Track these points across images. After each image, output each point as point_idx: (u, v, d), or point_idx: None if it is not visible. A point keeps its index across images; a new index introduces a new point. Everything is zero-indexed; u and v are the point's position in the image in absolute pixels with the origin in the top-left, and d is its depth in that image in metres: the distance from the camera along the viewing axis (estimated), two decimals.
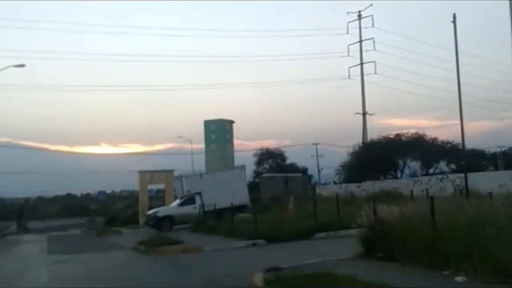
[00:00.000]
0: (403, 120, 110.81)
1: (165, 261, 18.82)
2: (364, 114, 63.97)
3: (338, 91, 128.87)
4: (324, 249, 17.12)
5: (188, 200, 34.28)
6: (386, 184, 48.33)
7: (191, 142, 69.09)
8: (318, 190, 57.01)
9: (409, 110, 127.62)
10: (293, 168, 71.84)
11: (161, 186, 58.03)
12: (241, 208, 34.72)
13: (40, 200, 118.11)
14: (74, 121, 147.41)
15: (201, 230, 27.18)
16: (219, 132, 64.74)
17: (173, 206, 34.97)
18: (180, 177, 35.36)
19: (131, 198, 78.85)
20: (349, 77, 68.99)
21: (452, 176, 41.96)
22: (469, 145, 56.94)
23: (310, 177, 60.92)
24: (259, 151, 75.83)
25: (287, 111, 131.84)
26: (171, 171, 45.21)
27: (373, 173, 56.62)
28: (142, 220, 41.92)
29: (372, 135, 64.54)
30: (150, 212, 34.79)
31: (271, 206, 35.58)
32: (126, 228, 41.31)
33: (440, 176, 43.85)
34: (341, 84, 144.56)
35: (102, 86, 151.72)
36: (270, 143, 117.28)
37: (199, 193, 34.25)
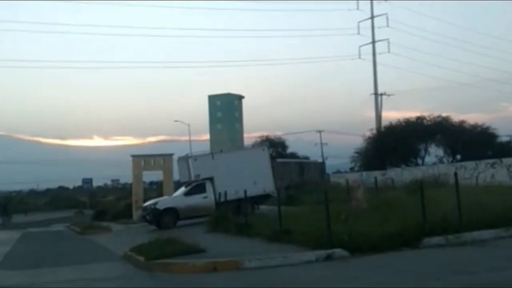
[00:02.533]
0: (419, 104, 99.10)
1: None
2: (381, 94, 55.04)
3: (346, 73, 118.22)
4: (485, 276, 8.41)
5: (197, 187, 25.11)
6: (418, 171, 39.56)
7: (189, 126, 59.69)
8: (333, 178, 48.31)
9: (426, 93, 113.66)
10: (295, 157, 62.68)
11: (155, 177, 48.93)
12: (264, 198, 25.68)
13: (32, 193, 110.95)
14: (66, 114, 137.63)
15: (222, 229, 17.98)
16: (226, 109, 53.11)
17: (177, 196, 25.73)
18: (185, 158, 25.99)
19: (123, 191, 69.86)
20: (359, 57, 60.22)
21: (507, 160, 33.28)
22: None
23: (324, 164, 52.08)
24: (258, 139, 66.50)
25: (286, 96, 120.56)
26: (170, 155, 35.96)
27: (393, 159, 47.88)
28: (136, 214, 32.84)
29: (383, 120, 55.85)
30: (148, 203, 25.55)
31: (297, 196, 26.72)
32: (117, 223, 32.35)
33: (491, 161, 35.06)
34: (351, 64, 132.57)
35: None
36: (270, 131, 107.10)
37: (211, 179, 25.15)
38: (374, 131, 52.74)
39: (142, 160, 35.46)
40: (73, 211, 53.30)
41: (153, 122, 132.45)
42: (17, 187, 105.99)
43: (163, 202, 25.09)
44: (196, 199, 24.70)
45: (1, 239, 27.85)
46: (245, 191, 19.04)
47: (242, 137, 51.47)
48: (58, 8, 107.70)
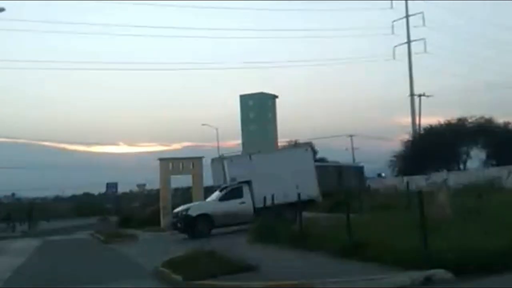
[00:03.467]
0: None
1: None
2: (419, 95, 51.52)
3: (380, 74, 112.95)
4: None
5: (233, 192, 22.16)
6: (466, 175, 36.08)
7: (216, 130, 57.09)
8: (370, 183, 44.94)
9: (464, 94, 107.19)
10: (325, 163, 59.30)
11: (179, 182, 45.94)
12: (308, 203, 22.57)
13: (57, 199, 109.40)
14: (91, 120, 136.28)
15: (270, 240, 14.91)
16: (259, 109, 49.57)
17: (211, 201, 22.81)
18: (220, 160, 23.08)
19: (149, 197, 67.48)
20: (394, 58, 56.91)
21: None
22: None
23: (363, 168, 48.85)
24: (286, 144, 63.31)
25: (316, 99, 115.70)
26: (200, 158, 33.06)
27: (433, 164, 44.38)
28: (164, 221, 30.06)
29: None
30: (179, 209, 22.65)
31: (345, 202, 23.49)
32: (144, 230, 29.55)
33: None
34: (385, 65, 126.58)
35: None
36: (300, 135, 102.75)
37: (248, 182, 22.20)
38: (413, 134, 49.28)
39: (170, 163, 32.56)
40: (97, 218, 50.89)
41: (179, 128, 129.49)
42: (42, 194, 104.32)
43: (196, 207, 22.19)
44: (233, 205, 21.78)
45: (19, 248, 25.30)
46: (299, 195, 16.00)
47: (276, 139, 48.14)
48: (83, 8, 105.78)
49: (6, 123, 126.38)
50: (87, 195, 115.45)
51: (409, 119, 54.01)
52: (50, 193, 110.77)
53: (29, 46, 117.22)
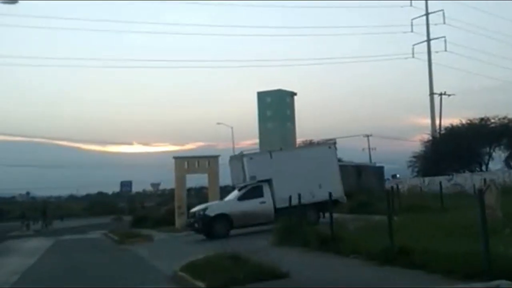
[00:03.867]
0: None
1: None
2: (440, 94, 49.89)
3: (398, 73, 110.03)
4: None
5: (252, 191, 20.97)
6: (491, 177, 34.50)
7: (232, 129, 55.79)
8: (389, 184, 43.52)
9: (485, 94, 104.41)
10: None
11: (193, 182, 44.85)
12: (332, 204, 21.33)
13: (71, 198, 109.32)
14: (106, 120, 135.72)
15: (297, 242, 13.66)
16: (277, 106, 47.81)
17: (229, 201, 21.61)
18: (239, 157, 21.87)
19: (162, 196, 66.71)
20: (413, 56, 55.44)
21: None
22: None
23: (383, 168, 47.35)
24: (301, 143, 61.92)
25: (332, 98, 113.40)
26: (216, 157, 32.02)
27: (454, 164, 42.89)
28: (179, 221, 29.05)
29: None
30: (196, 209, 21.48)
31: (371, 202, 22.49)
32: (159, 231, 28.51)
33: None
34: (404, 64, 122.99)
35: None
36: (316, 134, 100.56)
37: (269, 181, 21.02)
38: (435, 134, 47.78)
39: (186, 162, 31.51)
40: (111, 217, 50.10)
41: (193, 127, 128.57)
42: (56, 193, 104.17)
43: (214, 207, 21.04)
44: (252, 205, 20.61)
45: (30, 248, 24.39)
46: (330, 194, 14.74)
47: (294, 137, 46.75)
48: (92, 4, 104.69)
49: (23, 122, 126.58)
50: (101, 194, 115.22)
51: (427, 119, 52.54)
52: (64, 192, 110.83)
53: (43, 43, 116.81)
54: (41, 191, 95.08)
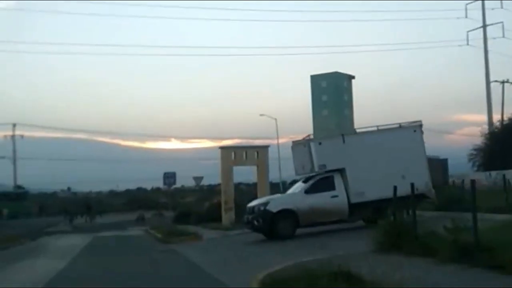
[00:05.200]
0: None
1: None
2: (502, 82, 45.17)
3: (452, 60, 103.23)
4: None
5: (322, 183, 17.07)
6: None
7: (276, 120, 51.98)
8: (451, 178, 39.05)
9: None
10: None
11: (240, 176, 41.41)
12: (418, 199, 17.22)
13: (111, 194, 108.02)
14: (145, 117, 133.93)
15: (414, 250, 9.66)
16: (333, 91, 42.51)
17: (294, 194, 17.72)
18: (306, 143, 17.91)
19: (201, 192, 63.92)
20: (467, 43, 50.85)
21: None
22: None
23: (447, 161, 42.70)
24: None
25: (382, 87, 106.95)
26: (265, 147, 28.37)
27: None
28: (225, 217, 25.51)
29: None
30: (254, 203, 17.66)
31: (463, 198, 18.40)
32: (205, 227, 25.08)
33: None
34: (457, 51, 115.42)
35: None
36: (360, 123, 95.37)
37: (341, 171, 17.11)
38: (496, 125, 43.00)
39: (233, 152, 27.76)
40: (151, 213, 47.25)
41: (231, 122, 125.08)
42: (96, 188, 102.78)
43: (276, 201, 17.18)
44: (322, 199, 16.73)
45: (64, 246, 21.14)
46: (412, 186, 10.95)
47: (352, 125, 42.08)
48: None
49: (64, 119, 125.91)
50: (140, 189, 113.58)
51: (474, 114, 48.22)
52: (104, 187, 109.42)
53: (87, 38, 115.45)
54: (82, 186, 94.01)
